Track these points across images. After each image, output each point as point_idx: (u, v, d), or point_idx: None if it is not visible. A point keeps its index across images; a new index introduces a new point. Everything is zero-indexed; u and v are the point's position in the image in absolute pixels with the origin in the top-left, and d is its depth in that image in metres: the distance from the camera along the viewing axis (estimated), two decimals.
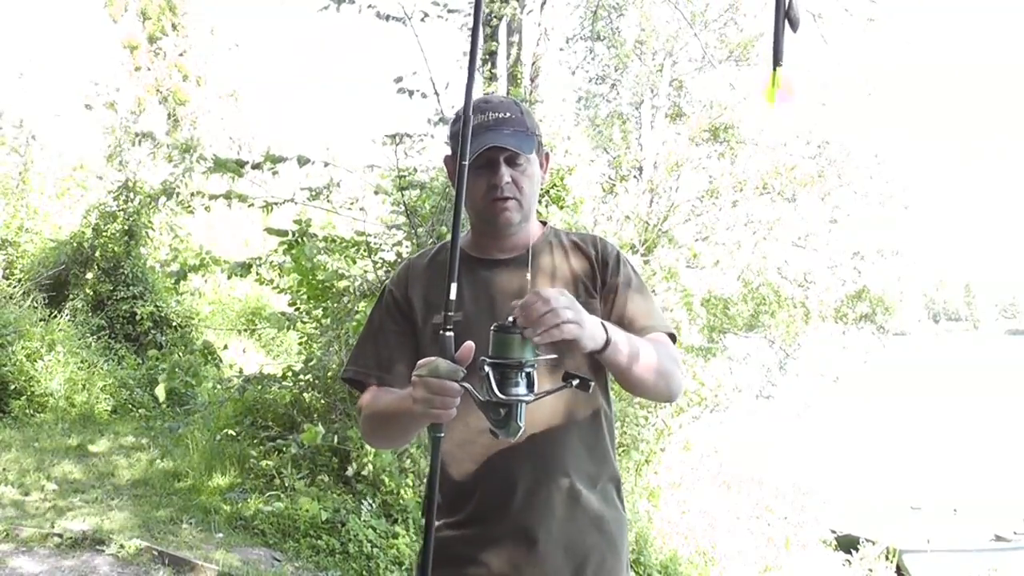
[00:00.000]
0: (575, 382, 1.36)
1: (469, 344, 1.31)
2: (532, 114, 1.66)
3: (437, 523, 1.58)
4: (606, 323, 1.43)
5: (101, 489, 5.53)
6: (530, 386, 1.32)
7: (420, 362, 1.33)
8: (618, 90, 11.80)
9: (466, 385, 1.30)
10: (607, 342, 1.40)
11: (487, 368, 1.30)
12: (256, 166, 5.34)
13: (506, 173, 1.56)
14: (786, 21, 1.37)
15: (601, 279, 1.62)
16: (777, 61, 1.38)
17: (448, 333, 1.32)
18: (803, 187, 10.42)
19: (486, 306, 1.56)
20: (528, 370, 1.31)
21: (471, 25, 1.63)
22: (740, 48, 10.96)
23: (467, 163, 1.38)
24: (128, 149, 10.05)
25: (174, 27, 14.59)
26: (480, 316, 1.52)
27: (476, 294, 1.59)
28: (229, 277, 5.88)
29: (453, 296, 1.35)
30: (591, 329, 1.37)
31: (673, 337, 1.62)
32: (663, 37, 10.90)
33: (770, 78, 1.39)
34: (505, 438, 1.33)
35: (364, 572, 4.32)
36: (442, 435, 1.35)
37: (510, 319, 1.32)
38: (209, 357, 7.99)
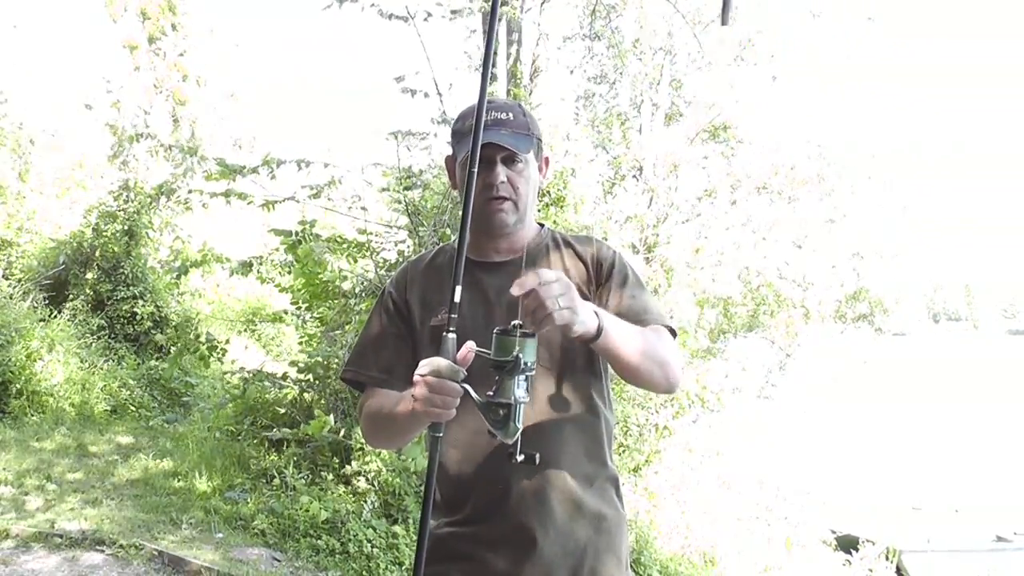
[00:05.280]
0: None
1: (470, 344, 1.33)
2: (534, 116, 1.66)
3: (437, 521, 1.59)
4: (599, 310, 1.43)
5: (100, 489, 5.53)
6: (528, 389, 1.34)
7: (423, 362, 1.34)
8: (617, 89, 11.78)
9: (466, 386, 1.31)
10: (599, 329, 1.40)
11: (491, 369, 1.32)
12: (253, 170, 5.36)
13: (502, 172, 1.57)
14: None
15: (596, 280, 1.63)
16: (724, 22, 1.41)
17: (451, 335, 1.34)
18: (803, 186, 10.41)
19: (481, 308, 1.57)
20: (529, 373, 1.32)
21: (484, 28, 1.64)
22: (739, 47, 10.93)
23: (475, 170, 1.40)
24: (129, 148, 10.08)
25: (174, 27, 14.56)
26: (475, 318, 1.53)
27: (472, 297, 1.59)
28: (231, 275, 5.90)
29: (458, 299, 1.35)
30: (584, 315, 1.36)
31: (672, 332, 1.62)
32: (661, 35, 10.87)
33: None
34: (503, 439, 1.35)
35: (364, 572, 4.31)
36: (441, 435, 1.37)
37: (512, 323, 1.32)
38: (211, 352, 7.99)
